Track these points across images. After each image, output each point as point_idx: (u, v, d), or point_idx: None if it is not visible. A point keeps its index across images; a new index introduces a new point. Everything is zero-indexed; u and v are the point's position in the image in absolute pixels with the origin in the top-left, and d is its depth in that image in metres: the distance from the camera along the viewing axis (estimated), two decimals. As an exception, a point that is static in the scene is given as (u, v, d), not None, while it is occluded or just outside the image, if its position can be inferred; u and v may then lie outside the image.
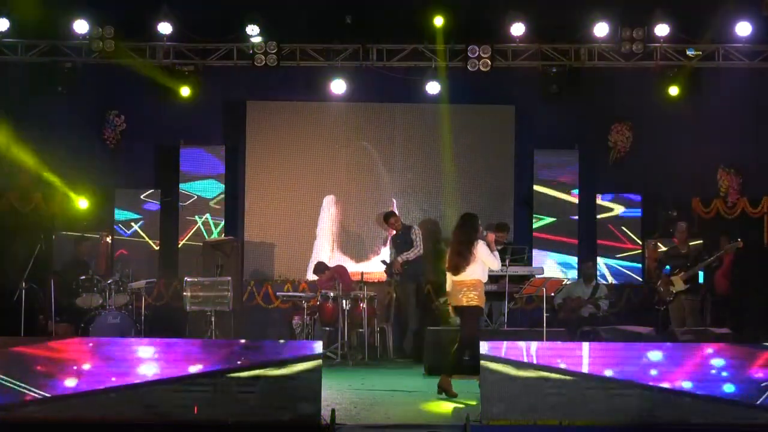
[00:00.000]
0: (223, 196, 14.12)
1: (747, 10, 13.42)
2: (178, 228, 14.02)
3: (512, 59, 13.95)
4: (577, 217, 14.03)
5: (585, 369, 7.90)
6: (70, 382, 7.83)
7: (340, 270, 13.19)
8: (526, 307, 13.50)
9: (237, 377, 7.85)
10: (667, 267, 12.16)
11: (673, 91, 13.68)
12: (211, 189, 14.09)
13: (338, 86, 13.85)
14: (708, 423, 7.76)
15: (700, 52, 13.70)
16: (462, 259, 9.31)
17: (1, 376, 7.81)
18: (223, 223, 14.08)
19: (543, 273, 12.21)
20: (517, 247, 12.80)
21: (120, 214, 13.95)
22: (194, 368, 7.91)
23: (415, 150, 14.23)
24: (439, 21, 13.64)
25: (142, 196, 14.00)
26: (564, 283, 12.27)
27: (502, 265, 12.16)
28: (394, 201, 14.11)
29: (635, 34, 13.45)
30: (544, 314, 10.98)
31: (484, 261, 9.34)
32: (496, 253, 9.51)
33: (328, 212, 14.16)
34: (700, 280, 12.33)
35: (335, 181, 14.22)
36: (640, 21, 13.45)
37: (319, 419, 7.75)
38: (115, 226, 13.92)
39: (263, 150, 14.24)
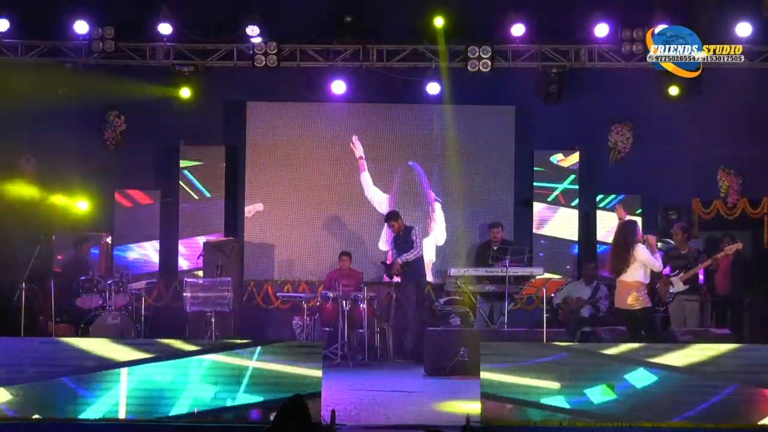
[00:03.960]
0: (223, 195, 14.11)
1: (747, 10, 13.41)
2: (178, 228, 14.01)
3: (512, 60, 13.96)
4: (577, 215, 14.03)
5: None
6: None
7: (350, 274, 13.12)
8: (526, 308, 13.50)
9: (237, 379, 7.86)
10: (667, 267, 12.15)
11: (673, 91, 13.69)
12: (211, 189, 14.07)
13: (338, 86, 13.85)
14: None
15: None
16: (620, 261, 9.76)
17: None
18: (223, 223, 14.06)
19: (543, 273, 12.21)
20: (517, 248, 12.79)
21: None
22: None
23: (414, 150, 14.21)
24: (439, 21, 13.65)
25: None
26: (564, 283, 12.27)
27: (501, 266, 12.22)
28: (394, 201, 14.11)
29: (635, 34, 13.46)
30: (544, 315, 10.99)
31: (645, 263, 9.71)
32: (658, 255, 9.90)
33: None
34: (700, 280, 12.31)
35: (335, 182, 14.20)
36: (640, 21, 13.45)
37: (319, 419, 7.75)
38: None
39: (263, 150, 14.22)
